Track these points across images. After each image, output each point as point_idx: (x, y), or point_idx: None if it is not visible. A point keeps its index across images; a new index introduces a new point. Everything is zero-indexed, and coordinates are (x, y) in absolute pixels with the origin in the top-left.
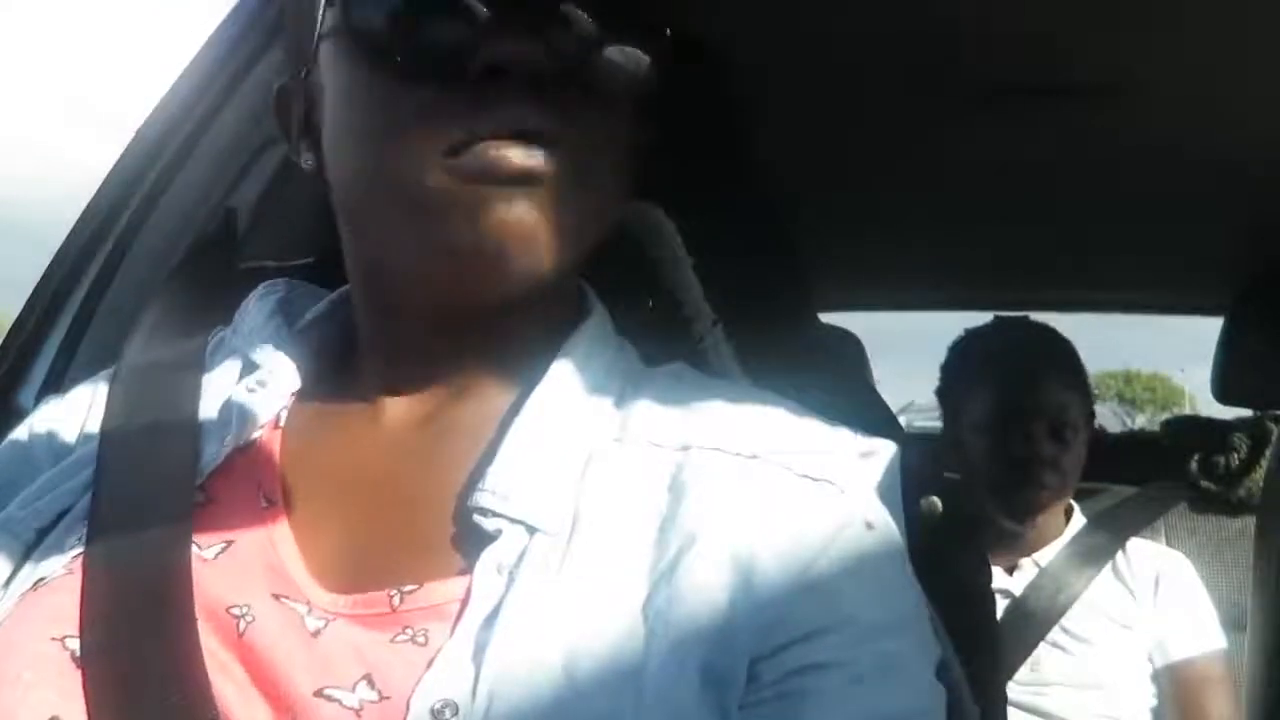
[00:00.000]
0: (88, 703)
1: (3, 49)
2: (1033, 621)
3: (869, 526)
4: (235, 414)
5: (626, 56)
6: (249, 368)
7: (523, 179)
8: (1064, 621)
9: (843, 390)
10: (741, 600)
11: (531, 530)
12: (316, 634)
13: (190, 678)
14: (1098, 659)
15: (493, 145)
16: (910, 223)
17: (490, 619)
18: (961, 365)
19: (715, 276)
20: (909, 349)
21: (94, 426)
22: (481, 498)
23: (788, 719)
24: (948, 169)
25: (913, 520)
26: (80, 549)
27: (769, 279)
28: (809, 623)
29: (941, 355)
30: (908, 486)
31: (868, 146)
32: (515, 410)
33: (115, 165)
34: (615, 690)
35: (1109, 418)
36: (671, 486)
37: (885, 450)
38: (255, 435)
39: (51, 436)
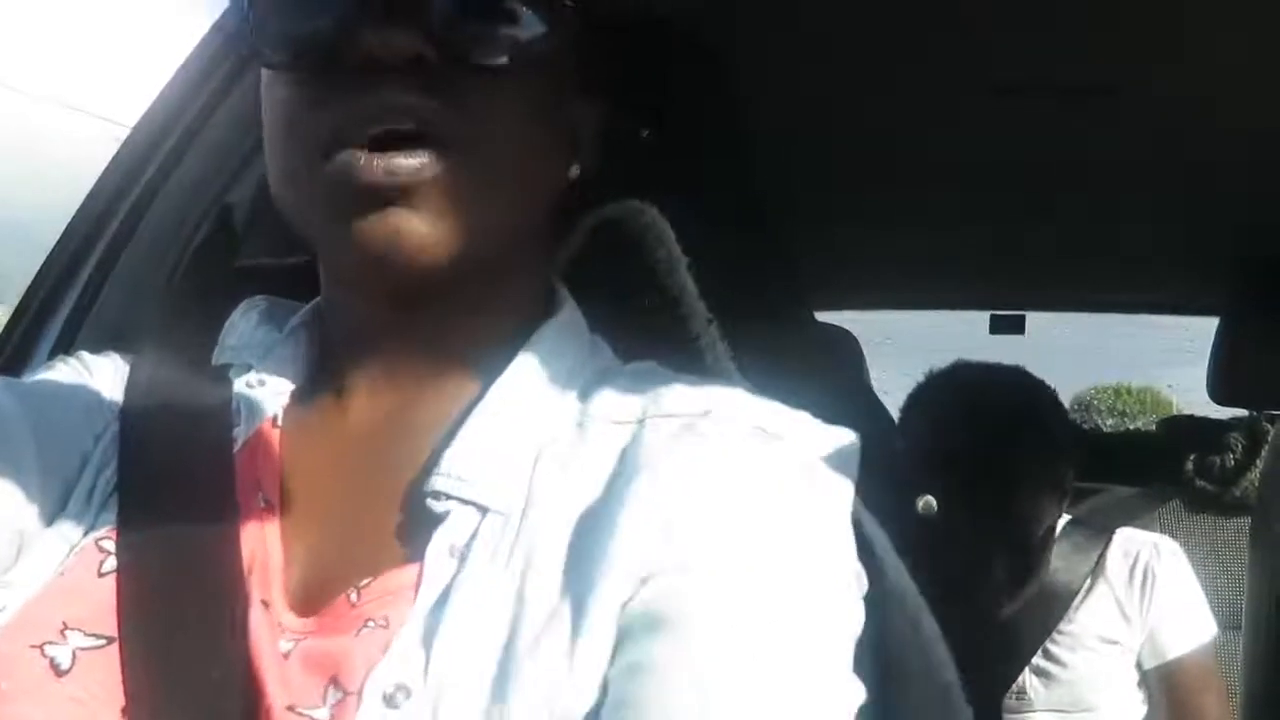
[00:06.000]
0: (126, 685)
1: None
2: (1023, 633)
3: (806, 480)
4: (243, 406)
5: (518, 33)
6: (244, 370)
7: (390, 188)
8: (1049, 645)
9: (838, 388)
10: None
11: (483, 511)
12: (286, 655)
13: (236, 657)
14: (1084, 683)
15: (357, 152)
16: (908, 221)
17: (441, 600)
18: (915, 425)
19: (710, 275)
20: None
21: (114, 400)
22: (434, 481)
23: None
24: (945, 168)
25: (908, 519)
26: (99, 529)
27: (764, 277)
28: (693, 556)
29: (939, 353)
30: (903, 484)
31: (865, 144)
32: (475, 403)
33: (112, 161)
34: (551, 665)
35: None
36: (621, 455)
37: (846, 434)
38: (257, 428)
39: (73, 392)
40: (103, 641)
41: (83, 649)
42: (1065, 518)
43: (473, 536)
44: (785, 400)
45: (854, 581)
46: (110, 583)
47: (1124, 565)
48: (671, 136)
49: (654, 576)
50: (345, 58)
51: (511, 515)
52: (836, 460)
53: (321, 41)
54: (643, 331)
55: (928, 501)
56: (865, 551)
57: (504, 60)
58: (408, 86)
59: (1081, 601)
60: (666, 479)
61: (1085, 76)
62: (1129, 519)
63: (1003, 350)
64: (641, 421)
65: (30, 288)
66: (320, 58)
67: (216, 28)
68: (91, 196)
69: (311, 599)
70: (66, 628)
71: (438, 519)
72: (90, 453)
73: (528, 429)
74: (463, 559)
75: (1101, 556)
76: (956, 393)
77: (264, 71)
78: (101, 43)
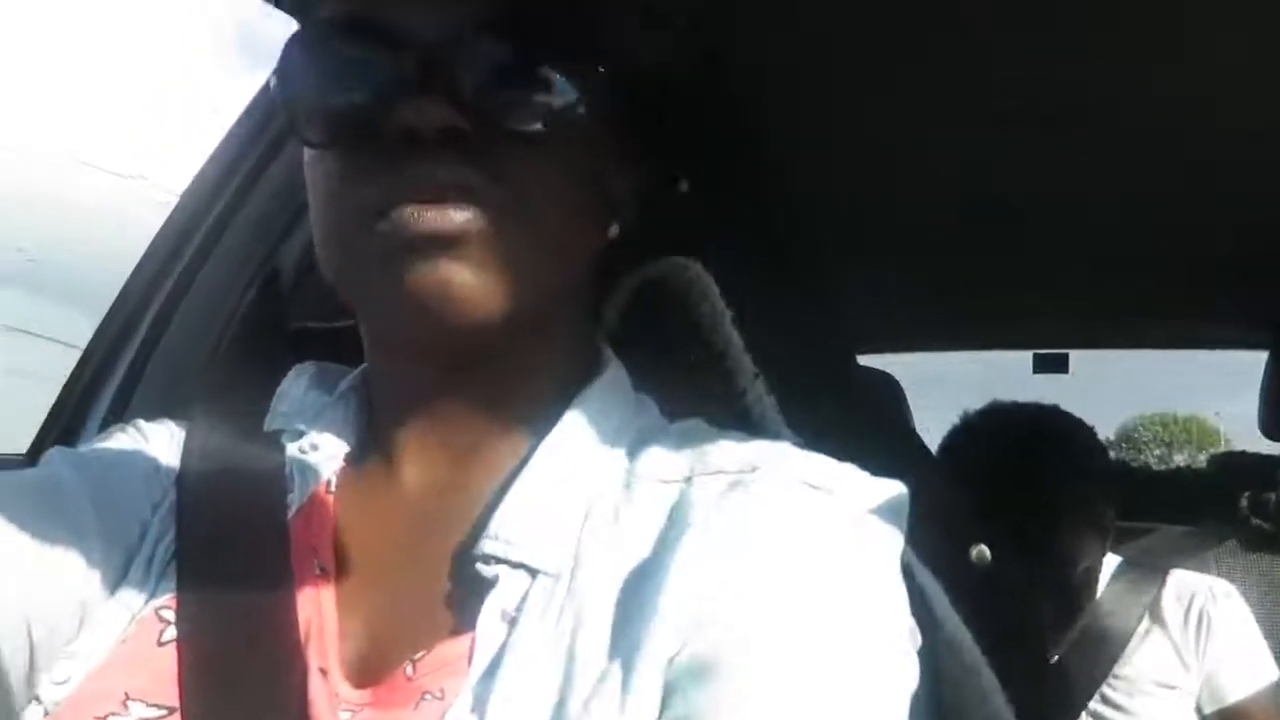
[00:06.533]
0: None
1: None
2: (1078, 678)
3: (856, 533)
4: (296, 472)
5: (551, 99)
6: (297, 436)
7: (439, 240)
8: (1106, 690)
9: (884, 434)
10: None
11: (533, 573)
12: None
13: None
14: None
15: (409, 207)
16: (949, 263)
17: (494, 668)
18: (951, 471)
19: (754, 327)
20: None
21: (170, 468)
22: (484, 545)
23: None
24: (986, 210)
25: (959, 568)
26: (159, 597)
27: (807, 326)
28: (735, 614)
29: (981, 395)
30: (955, 532)
31: (903, 186)
32: (523, 464)
33: (162, 228)
34: None
35: None
36: (670, 514)
37: (895, 486)
38: (311, 495)
39: (131, 461)
40: (164, 712)
41: None
42: (1117, 559)
43: (523, 600)
44: (832, 450)
45: (908, 636)
46: (170, 652)
47: (1179, 609)
48: (710, 190)
49: (702, 630)
50: (383, 132)
51: (561, 576)
52: (886, 512)
53: (358, 117)
54: (688, 388)
55: (981, 551)
56: (918, 602)
57: (539, 127)
58: (446, 158)
59: (1137, 645)
60: (714, 536)
61: (1134, 112)
62: (1182, 559)
63: (1046, 382)
64: (689, 479)
65: (84, 355)
66: (358, 133)
67: (261, 96)
68: (142, 263)
69: (368, 670)
70: (129, 698)
71: (488, 584)
72: (149, 522)
73: (575, 489)
74: (513, 623)
75: (1156, 599)
76: (990, 436)
77: (306, 151)
78: (151, 113)
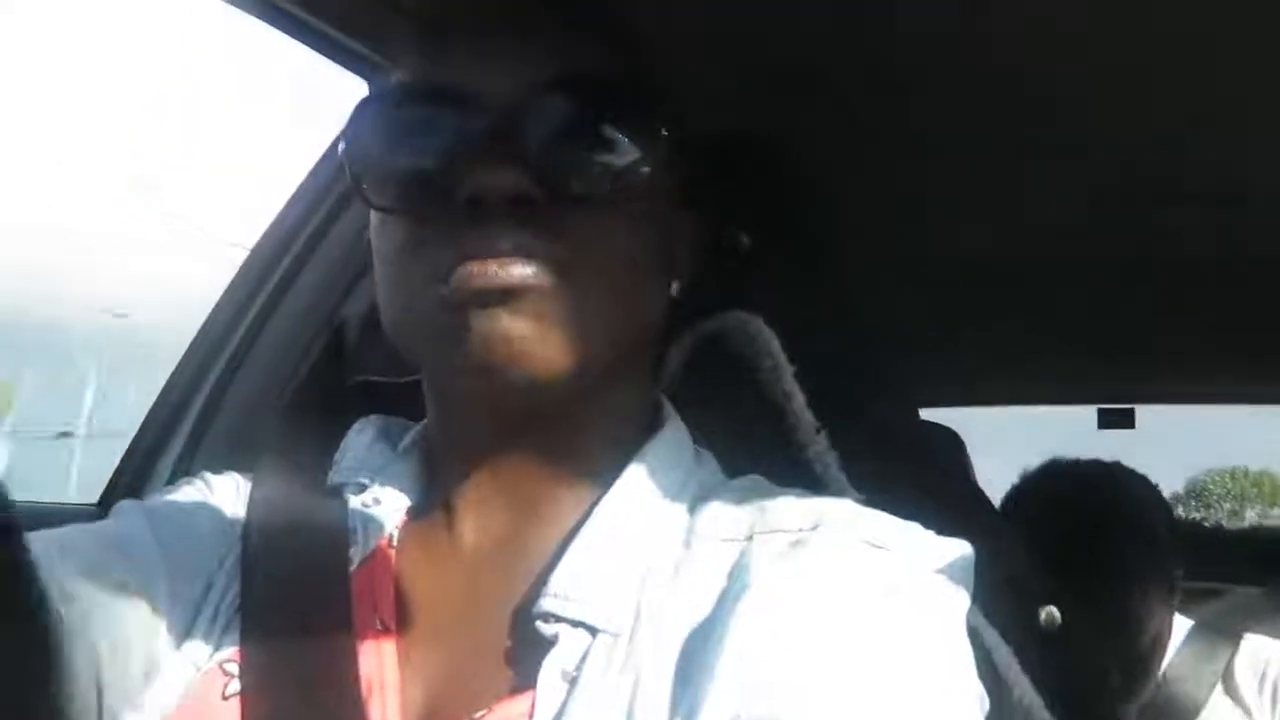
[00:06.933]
0: None
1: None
2: None
3: (921, 594)
4: (361, 525)
5: (615, 162)
6: (360, 490)
7: (502, 294)
8: None
9: (947, 490)
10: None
11: (593, 631)
12: None
13: None
14: None
15: (473, 264)
16: (1012, 317)
17: None
18: (1015, 525)
19: (815, 381)
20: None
21: (236, 519)
22: (544, 603)
23: None
24: (1051, 261)
25: (1027, 629)
26: (223, 650)
27: (871, 382)
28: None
29: (1041, 449)
30: (1023, 593)
31: (972, 244)
32: (584, 521)
33: (232, 281)
34: None
35: None
36: (731, 572)
37: (959, 545)
38: (373, 549)
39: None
40: None
41: None
42: (1188, 623)
43: (583, 659)
44: (895, 506)
45: (975, 700)
46: (234, 706)
47: (1252, 676)
48: (773, 246)
49: (761, 693)
50: (449, 199)
51: (621, 634)
52: (951, 572)
53: (425, 184)
54: (749, 443)
55: (1050, 613)
56: (985, 665)
57: (603, 189)
58: (511, 224)
59: (1209, 715)
60: (775, 597)
61: (1183, 173)
62: (1257, 623)
63: (1112, 438)
64: (750, 538)
65: (153, 407)
66: (424, 200)
67: (331, 151)
68: (211, 317)
69: None
70: None
71: (549, 642)
72: (215, 574)
73: (636, 546)
74: (574, 682)
75: (1228, 666)
76: (1052, 494)
77: (372, 216)
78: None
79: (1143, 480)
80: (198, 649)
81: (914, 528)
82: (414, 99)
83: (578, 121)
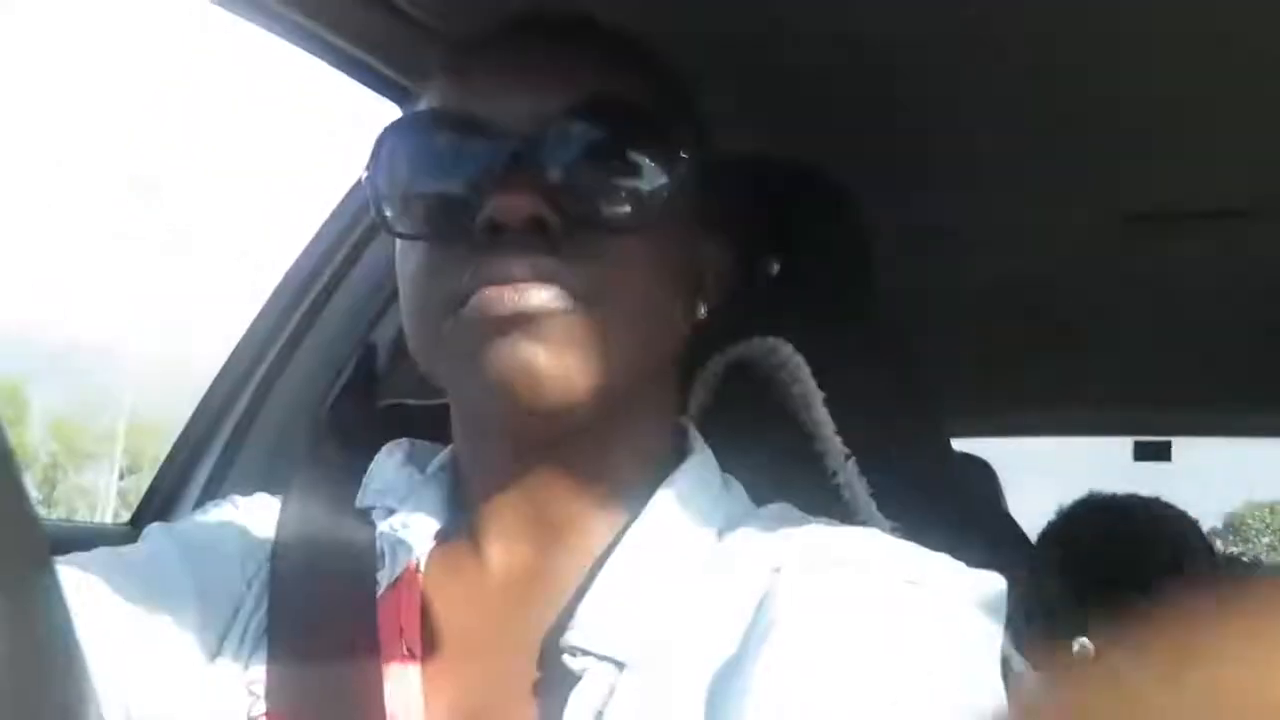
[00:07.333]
0: None
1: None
2: None
3: (952, 628)
4: (388, 549)
5: (636, 186)
6: (388, 513)
7: (520, 321)
8: None
9: (979, 522)
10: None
11: (620, 666)
12: None
13: None
14: None
15: (491, 289)
16: (1042, 347)
17: None
18: (1050, 558)
19: (845, 408)
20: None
21: (264, 541)
22: (570, 636)
23: None
24: (1078, 295)
25: (1061, 661)
26: (249, 671)
27: (899, 409)
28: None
29: (1075, 483)
30: (1058, 625)
31: (1004, 269)
32: (610, 550)
33: (264, 305)
34: None
35: None
36: (759, 605)
37: (992, 577)
38: (400, 574)
39: (228, 536)
40: None
41: None
42: None
43: (610, 694)
44: (926, 536)
45: None
46: None
47: None
48: (800, 270)
49: (791, 709)
50: (469, 226)
51: (648, 668)
52: (983, 604)
53: (445, 210)
54: (778, 470)
55: (1083, 644)
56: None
57: (625, 214)
58: (531, 248)
59: None
60: (803, 631)
61: (1216, 201)
62: None
63: (1148, 470)
64: (778, 570)
65: (185, 429)
66: (445, 226)
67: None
68: (245, 338)
69: None
70: None
71: (575, 677)
72: (244, 596)
73: (663, 577)
74: (600, 717)
75: None
76: (1089, 528)
77: (396, 243)
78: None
79: (1182, 515)
80: (225, 670)
81: (945, 560)
82: (436, 126)
83: (597, 146)
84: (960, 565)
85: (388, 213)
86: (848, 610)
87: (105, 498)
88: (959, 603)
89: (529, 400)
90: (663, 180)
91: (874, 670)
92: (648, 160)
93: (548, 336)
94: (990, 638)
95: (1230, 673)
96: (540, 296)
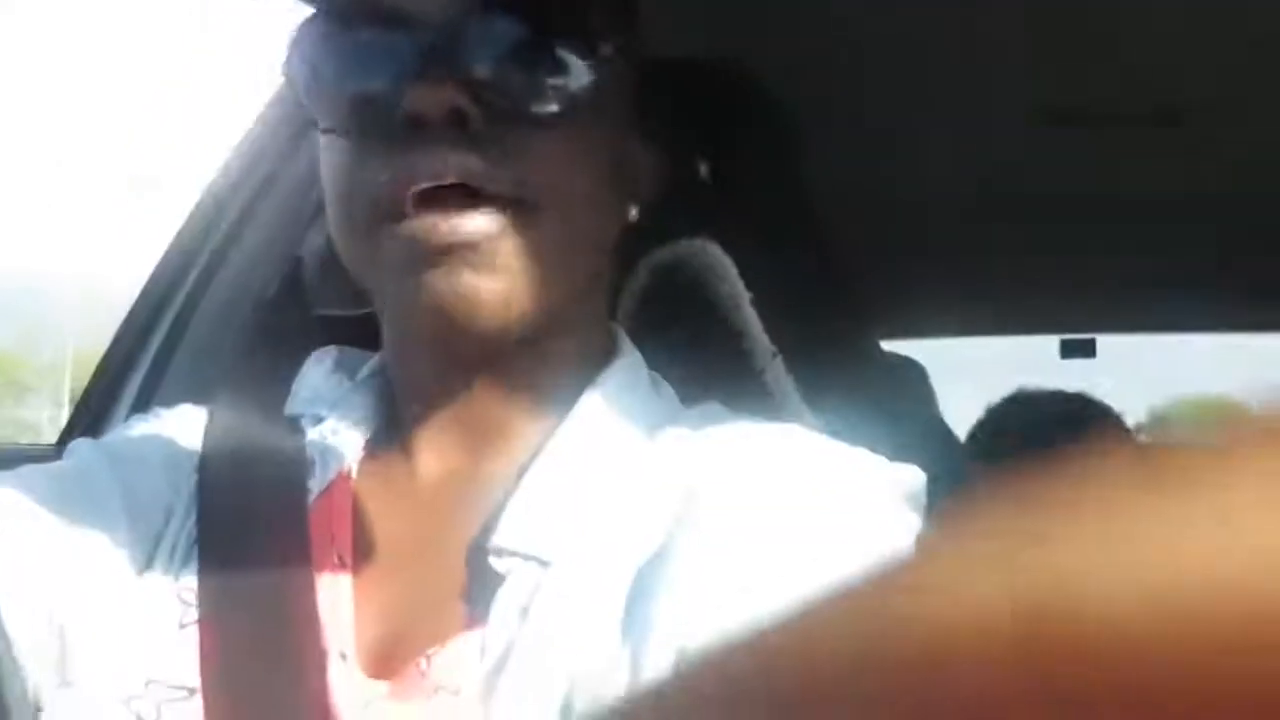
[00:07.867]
0: None
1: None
2: None
3: (870, 516)
4: (318, 456)
5: (559, 81)
6: (317, 421)
7: (457, 249)
8: None
9: (906, 417)
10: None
11: (544, 565)
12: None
13: (318, 709)
14: None
15: (424, 214)
16: (975, 246)
17: (502, 661)
18: (979, 455)
19: (774, 309)
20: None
21: (193, 452)
22: (497, 538)
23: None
24: (1013, 193)
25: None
26: (181, 580)
27: (828, 309)
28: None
29: (1010, 380)
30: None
31: (928, 175)
32: (538, 453)
33: (188, 216)
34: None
35: None
36: (683, 500)
37: (913, 471)
38: (330, 481)
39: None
40: (185, 694)
41: (167, 702)
42: None
43: (535, 591)
44: (853, 433)
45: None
46: (191, 634)
47: None
48: (730, 173)
49: (708, 596)
50: (390, 118)
51: (573, 566)
52: (904, 496)
53: (367, 104)
54: (706, 370)
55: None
56: None
57: (552, 110)
58: (451, 142)
59: None
60: (726, 522)
61: (1147, 105)
62: None
63: (1075, 368)
64: (703, 466)
65: (110, 345)
66: (367, 120)
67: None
68: (167, 252)
69: (383, 662)
70: (150, 681)
71: (501, 578)
72: (174, 506)
73: (588, 477)
74: (525, 615)
75: None
76: (1016, 424)
77: (320, 138)
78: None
79: (1107, 409)
80: (156, 580)
81: (865, 453)
82: (356, 17)
83: (524, 37)
84: (880, 459)
85: (310, 106)
86: (769, 503)
87: (49, 432)
88: (879, 493)
89: (465, 324)
90: (590, 76)
91: (792, 558)
92: (574, 55)
93: (487, 263)
94: (909, 529)
95: (1119, 529)
96: (476, 222)
